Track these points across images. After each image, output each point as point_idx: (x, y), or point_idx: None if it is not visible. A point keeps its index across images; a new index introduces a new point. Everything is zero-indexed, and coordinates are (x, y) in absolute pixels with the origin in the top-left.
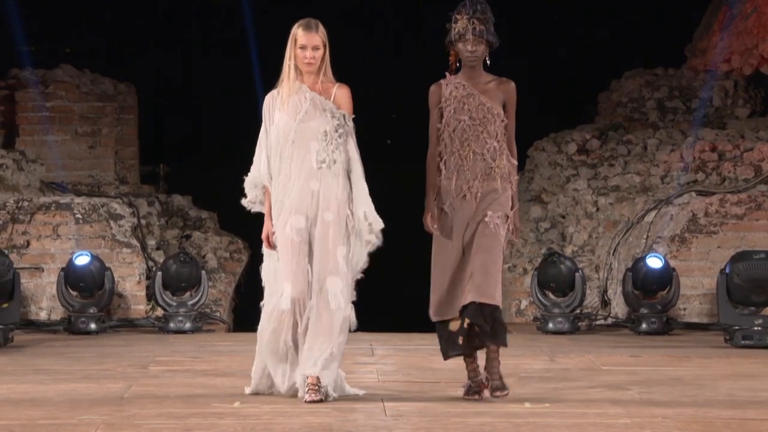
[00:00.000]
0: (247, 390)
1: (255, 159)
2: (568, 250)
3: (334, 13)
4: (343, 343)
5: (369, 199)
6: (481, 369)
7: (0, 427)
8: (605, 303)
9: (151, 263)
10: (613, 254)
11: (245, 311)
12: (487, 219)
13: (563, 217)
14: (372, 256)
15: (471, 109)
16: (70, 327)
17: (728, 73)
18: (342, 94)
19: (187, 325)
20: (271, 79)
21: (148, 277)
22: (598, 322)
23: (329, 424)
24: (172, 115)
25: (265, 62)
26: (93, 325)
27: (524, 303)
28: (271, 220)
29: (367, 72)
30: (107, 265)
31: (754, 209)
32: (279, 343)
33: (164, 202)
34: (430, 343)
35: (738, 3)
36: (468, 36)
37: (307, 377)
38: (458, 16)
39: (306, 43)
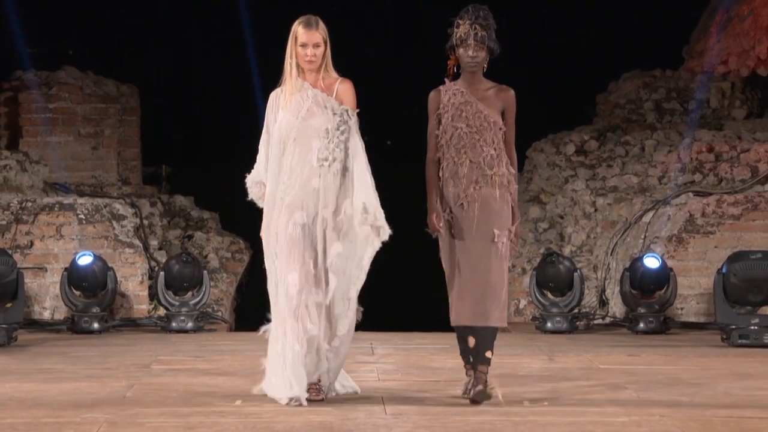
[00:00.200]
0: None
1: (257, 158)
2: (567, 250)
3: (334, 13)
4: (347, 343)
5: (371, 191)
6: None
7: (4, 426)
8: (603, 302)
9: (153, 263)
10: (611, 254)
11: (247, 311)
12: (495, 240)
13: (562, 217)
14: (376, 257)
15: (468, 116)
16: (73, 326)
17: (725, 74)
18: (345, 89)
19: (189, 325)
20: (269, 78)
21: (150, 277)
22: (596, 322)
23: (330, 422)
24: (173, 116)
25: (264, 62)
26: (96, 325)
27: (523, 302)
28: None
29: (368, 72)
30: (110, 265)
31: (751, 209)
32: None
33: (166, 203)
34: (430, 342)
35: (735, 5)
36: (470, 41)
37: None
38: (460, 21)
39: (307, 40)
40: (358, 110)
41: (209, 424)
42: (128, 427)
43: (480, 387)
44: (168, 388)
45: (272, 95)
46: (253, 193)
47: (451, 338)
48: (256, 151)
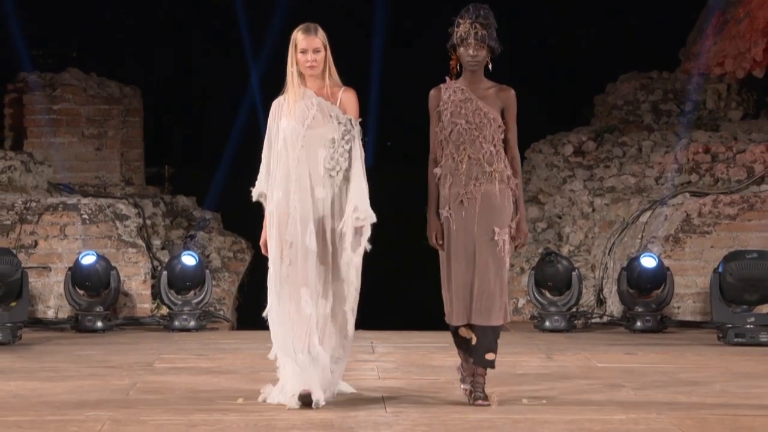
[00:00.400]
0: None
1: (260, 169)
2: (565, 250)
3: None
4: (348, 346)
5: (365, 196)
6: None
7: (9, 423)
8: (601, 302)
9: (156, 263)
10: (608, 254)
11: (248, 310)
12: (496, 237)
13: (560, 217)
14: (375, 257)
15: (468, 113)
16: (76, 325)
17: (721, 76)
18: (348, 98)
19: (192, 324)
20: (269, 78)
21: (153, 276)
22: (593, 321)
23: (330, 420)
24: (176, 117)
25: (264, 62)
26: (99, 324)
27: (521, 301)
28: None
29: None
30: (113, 264)
31: (747, 210)
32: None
33: (169, 203)
34: (429, 340)
35: (731, 8)
36: (470, 40)
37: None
38: (461, 21)
39: (306, 46)
40: (360, 119)
41: (211, 422)
42: (131, 424)
43: (478, 393)
44: (170, 387)
45: (274, 104)
46: (262, 200)
47: (451, 337)
48: (257, 152)
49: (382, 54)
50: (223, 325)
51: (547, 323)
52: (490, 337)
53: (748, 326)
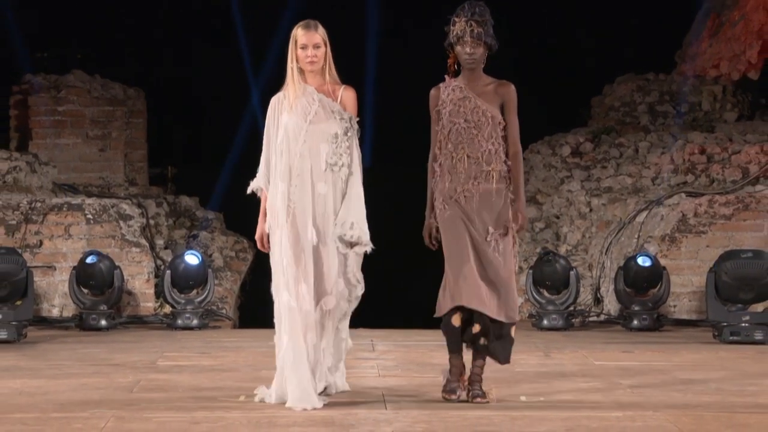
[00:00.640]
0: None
1: (261, 163)
2: (563, 250)
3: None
4: (344, 345)
5: (362, 207)
6: (467, 365)
7: (14, 420)
8: (598, 300)
9: (159, 262)
10: (605, 253)
11: (250, 308)
12: (488, 239)
13: (557, 217)
14: (375, 257)
15: (466, 112)
16: (81, 324)
17: (717, 78)
18: (348, 96)
19: (194, 322)
20: (269, 80)
21: (156, 276)
22: (591, 319)
23: (331, 417)
24: (179, 118)
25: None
26: (103, 322)
27: (520, 300)
28: (265, 222)
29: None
30: (117, 263)
31: (742, 210)
32: (305, 345)
33: (172, 203)
34: (429, 339)
35: (726, 10)
36: (466, 38)
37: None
38: (456, 19)
39: (306, 42)
40: (358, 119)
41: (214, 419)
42: (135, 421)
43: (476, 391)
44: (173, 384)
45: (274, 100)
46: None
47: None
48: (259, 152)
49: (377, 53)
50: (226, 324)
51: (545, 322)
52: (505, 332)
53: (743, 324)
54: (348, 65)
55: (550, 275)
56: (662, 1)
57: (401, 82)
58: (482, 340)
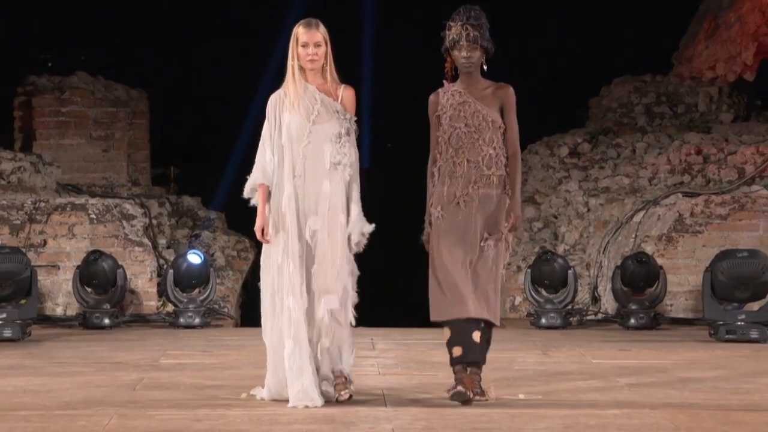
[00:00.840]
0: (260, 395)
1: (258, 158)
2: (561, 249)
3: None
4: (353, 341)
5: (359, 205)
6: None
7: (19, 417)
8: (596, 299)
9: (161, 261)
10: (603, 252)
11: (252, 307)
12: (482, 244)
13: (556, 217)
14: (375, 257)
15: (466, 116)
16: (84, 322)
17: (713, 79)
18: (348, 96)
19: (197, 321)
20: (273, 81)
21: (159, 275)
22: (588, 318)
23: (332, 414)
24: (182, 119)
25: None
26: (106, 321)
27: (518, 299)
28: (265, 213)
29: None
30: (120, 263)
31: (738, 210)
32: (304, 346)
33: (174, 203)
34: (429, 337)
35: (722, 13)
36: (462, 42)
37: (336, 375)
38: (452, 23)
39: (308, 40)
40: (356, 118)
41: (216, 416)
42: (137, 419)
43: (475, 389)
44: (176, 382)
45: (273, 97)
46: (249, 194)
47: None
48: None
49: (373, 53)
50: (227, 322)
51: (544, 320)
52: (489, 334)
53: (738, 323)
54: (346, 65)
55: (548, 274)
56: (659, 4)
57: (400, 82)
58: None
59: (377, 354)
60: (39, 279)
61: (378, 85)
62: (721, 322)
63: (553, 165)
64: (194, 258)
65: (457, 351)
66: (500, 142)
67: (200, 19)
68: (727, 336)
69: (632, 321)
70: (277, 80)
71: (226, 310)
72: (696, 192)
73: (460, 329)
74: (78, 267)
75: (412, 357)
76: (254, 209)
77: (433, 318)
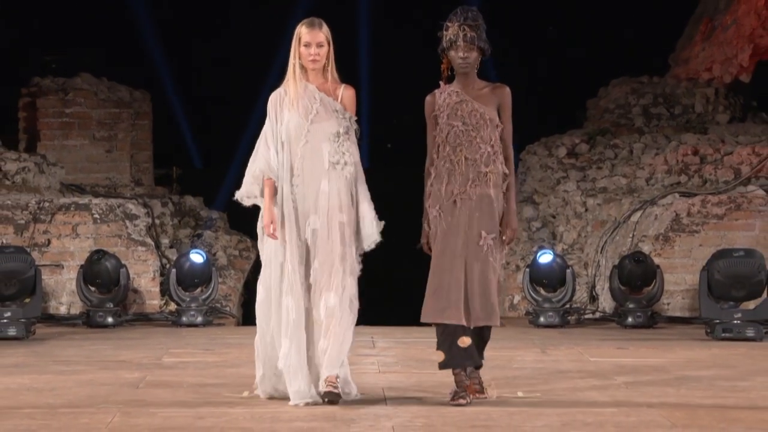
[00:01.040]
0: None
1: (260, 152)
2: (559, 248)
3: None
4: (351, 340)
5: (370, 203)
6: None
7: (23, 415)
8: (593, 298)
9: (164, 260)
10: (600, 252)
11: (253, 306)
12: (481, 242)
13: (554, 216)
14: (376, 256)
15: (464, 114)
16: (88, 321)
17: (709, 81)
18: (349, 95)
19: (199, 319)
20: (272, 79)
21: (161, 274)
22: (586, 317)
23: (332, 412)
24: (184, 119)
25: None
26: (110, 319)
27: (517, 298)
28: (272, 208)
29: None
30: (123, 262)
31: (734, 209)
32: (303, 347)
33: (177, 203)
34: (429, 336)
35: (718, 15)
36: (459, 42)
37: (327, 377)
38: (449, 24)
39: (310, 40)
40: (356, 118)
41: (218, 414)
42: (140, 416)
43: (475, 387)
44: (178, 380)
45: (274, 95)
46: (247, 189)
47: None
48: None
49: (371, 53)
50: (229, 321)
51: (542, 319)
52: (487, 336)
53: (735, 322)
54: (346, 65)
55: (546, 273)
56: (656, 6)
57: (400, 82)
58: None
59: (377, 352)
60: (43, 278)
61: (378, 86)
62: (718, 321)
63: (552, 165)
64: (196, 257)
65: (439, 356)
66: (497, 140)
67: (201, 19)
68: (723, 334)
69: (629, 320)
70: (279, 80)
71: (228, 308)
72: (693, 192)
73: (445, 334)
74: (82, 266)
75: (412, 355)
76: (256, 209)
77: (422, 320)
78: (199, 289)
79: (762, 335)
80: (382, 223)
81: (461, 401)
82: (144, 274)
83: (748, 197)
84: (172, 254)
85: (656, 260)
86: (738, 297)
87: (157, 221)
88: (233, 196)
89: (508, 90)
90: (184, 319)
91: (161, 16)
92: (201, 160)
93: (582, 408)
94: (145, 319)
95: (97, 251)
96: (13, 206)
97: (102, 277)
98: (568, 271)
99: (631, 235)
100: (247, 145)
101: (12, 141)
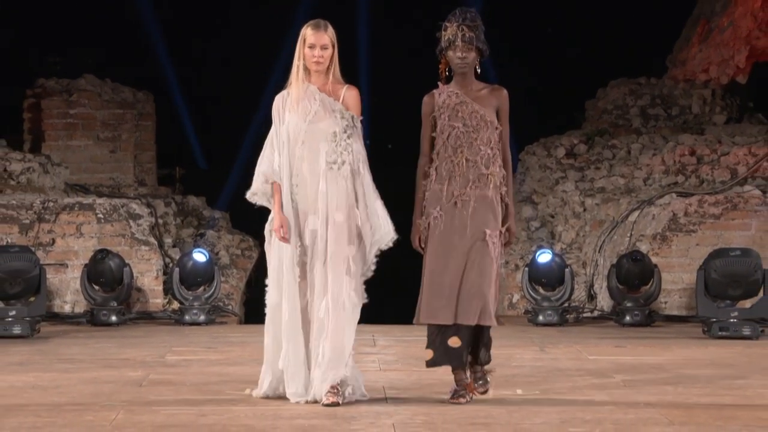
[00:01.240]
0: (255, 393)
1: (266, 155)
2: (557, 248)
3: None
4: (353, 340)
5: (380, 201)
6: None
7: (28, 412)
8: (592, 297)
9: (167, 260)
10: (599, 251)
11: (255, 304)
12: (486, 239)
13: (552, 216)
14: (379, 256)
15: (464, 116)
16: (92, 319)
17: (706, 82)
18: (351, 95)
19: (202, 318)
20: (274, 79)
21: (165, 273)
22: (585, 315)
23: (333, 410)
24: (187, 120)
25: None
26: (114, 318)
27: (516, 297)
28: (282, 211)
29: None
30: (127, 261)
31: (731, 209)
32: (300, 347)
33: (180, 203)
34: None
35: (715, 17)
36: (458, 43)
37: (330, 386)
38: (448, 24)
39: (315, 42)
40: (361, 118)
41: (221, 411)
42: (144, 414)
43: (478, 374)
44: (181, 378)
45: (278, 98)
46: (257, 187)
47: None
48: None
49: (371, 53)
50: (232, 319)
51: (541, 318)
52: (486, 336)
53: (731, 320)
54: (346, 65)
55: (545, 272)
56: (654, 8)
57: (398, 82)
58: (467, 357)
59: (378, 350)
60: (47, 277)
61: (378, 86)
62: (714, 320)
63: (550, 166)
64: (199, 256)
65: (428, 354)
66: (497, 142)
67: (203, 19)
68: (720, 333)
69: (627, 318)
70: (282, 80)
71: (230, 307)
72: (690, 192)
73: (436, 333)
74: (86, 265)
75: (413, 353)
76: (259, 209)
77: (414, 322)
78: (201, 288)
79: (758, 334)
80: (390, 227)
81: (461, 400)
82: (147, 273)
83: (745, 197)
84: (175, 253)
85: (654, 259)
86: (734, 296)
87: (161, 221)
88: (236, 195)
89: (505, 92)
90: (187, 317)
91: (163, 16)
92: (204, 160)
93: (580, 406)
94: (148, 317)
95: (101, 250)
96: (18, 206)
97: (106, 276)
98: (567, 270)
99: (628, 235)
100: (249, 145)
101: (17, 141)
